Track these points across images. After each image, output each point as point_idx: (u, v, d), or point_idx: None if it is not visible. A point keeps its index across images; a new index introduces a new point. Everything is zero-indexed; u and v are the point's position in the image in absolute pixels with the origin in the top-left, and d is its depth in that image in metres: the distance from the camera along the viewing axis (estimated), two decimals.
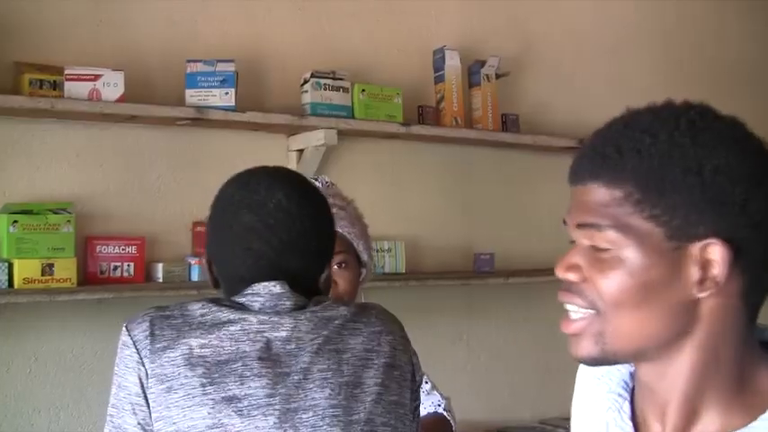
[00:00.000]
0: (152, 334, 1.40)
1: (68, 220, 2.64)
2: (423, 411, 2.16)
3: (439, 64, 3.42)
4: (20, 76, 2.62)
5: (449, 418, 2.22)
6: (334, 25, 3.32)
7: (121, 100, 2.68)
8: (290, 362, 1.38)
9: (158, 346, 1.39)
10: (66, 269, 2.60)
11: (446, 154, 3.55)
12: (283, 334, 1.40)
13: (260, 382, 1.36)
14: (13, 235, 2.56)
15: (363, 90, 3.14)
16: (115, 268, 2.75)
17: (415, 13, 3.55)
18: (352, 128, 3.11)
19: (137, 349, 1.40)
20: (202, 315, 1.41)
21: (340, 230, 2.03)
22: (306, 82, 3.06)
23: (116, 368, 1.43)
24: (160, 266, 2.81)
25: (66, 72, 2.62)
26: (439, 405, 2.20)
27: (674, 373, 0.99)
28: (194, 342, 1.38)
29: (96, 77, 2.66)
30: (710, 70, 4.66)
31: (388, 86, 3.25)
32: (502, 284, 3.56)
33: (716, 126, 1.00)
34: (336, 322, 1.45)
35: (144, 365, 1.39)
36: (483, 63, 3.52)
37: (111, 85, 2.67)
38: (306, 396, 1.37)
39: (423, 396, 2.18)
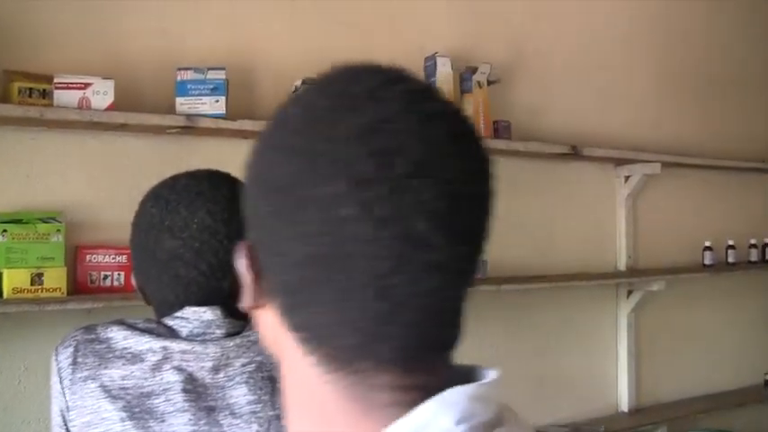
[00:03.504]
0: (74, 362, 1.33)
1: (58, 230, 2.63)
2: None
3: (430, 71, 3.41)
4: (9, 84, 2.60)
5: None
6: (326, 33, 3.31)
7: (111, 108, 2.67)
8: (217, 394, 1.30)
9: (80, 375, 1.32)
10: (55, 279, 2.58)
11: None
12: (209, 364, 1.31)
13: (182, 418, 1.27)
14: (2, 244, 2.54)
15: None
16: (105, 277, 2.73)
17: (407, 20, 3.54)
18: None
19: (60, 378, 1.34)
20: (125, 339, 1.33)
21: None
22: (297, 89, 3.05)
23: (50, 391, 1.39)
24: None
25: (55, 80, 2.61)
26: None
27: None
28: (116, 373, 1.30)
29: (86, 86, 2.64)
30: (703, 75, 4.67)
31: None
32: (494, 292, 3.54)
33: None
34: None
35: (65, 396, 1.33)
36: (474, 70, 3.51)
37: (101, 94, 2.66)
38: None
39: None
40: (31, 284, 2.55)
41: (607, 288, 4.20)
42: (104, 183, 2.83)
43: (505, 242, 3.77)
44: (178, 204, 1.38)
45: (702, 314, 4.66)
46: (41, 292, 2.55)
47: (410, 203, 0.68)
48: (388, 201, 0.67)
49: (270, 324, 0.76)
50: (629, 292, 4.22)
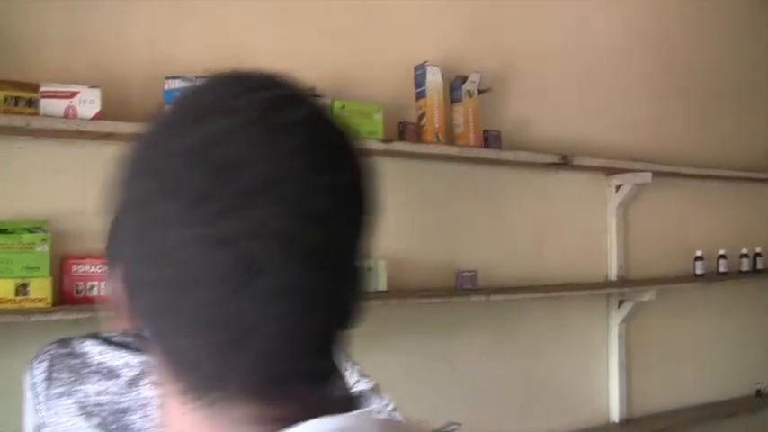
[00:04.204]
0: (49, 377, 1.31)
1: (44, 239, 2.60)
2: None
3: (420, 80, 3.40)
4: None
5: None
6: (315, 41, 3.29)
7: (98, 117, 2.64)
8: None
9: (54, 391, 1.30)
10: (41, 289, 2.55)
11: (427, 171, 3.53)
12: None
13: None
14: None
15: (343, 106, 3.12)
16: (91, 288, 2.70)
17: (397, 28, 3.53)
18: None
19: (35, 393, 1.32)
20: (101, 353, 1.31)
21: None
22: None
23: (24, 406, 1.36)
24: None
25: (41, 89, 2.58)
26: None
27: None
28: (91, 389, 1.28)
29: (72, 95, 2.62)
30: (693, 83, 4.67)
31: (368, 102, 3.22)
32: (484, 302, 3.53)
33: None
34: None
35: (40, 412, 1.30)
36: (465, 79, 3.50)
37: (88, 103, 2.64)
38: None
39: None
40: (16, 295, 2.52)
41: (598, 298, 4.19)
42: (91, 192, 2.78)
43: (495, 252, 3.76)
44: None
45: (694, 324, 4.64)
46: (26, 302, 2.53)
47: (250, 223, 0.62)
48: (225, 220, 0.62)
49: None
50: (620, 302, 4.21)
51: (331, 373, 0.69)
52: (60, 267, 2.69)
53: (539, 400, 3.92)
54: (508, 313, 3.77)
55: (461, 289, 3.47)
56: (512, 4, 3.90)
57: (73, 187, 2.78)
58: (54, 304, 2.59)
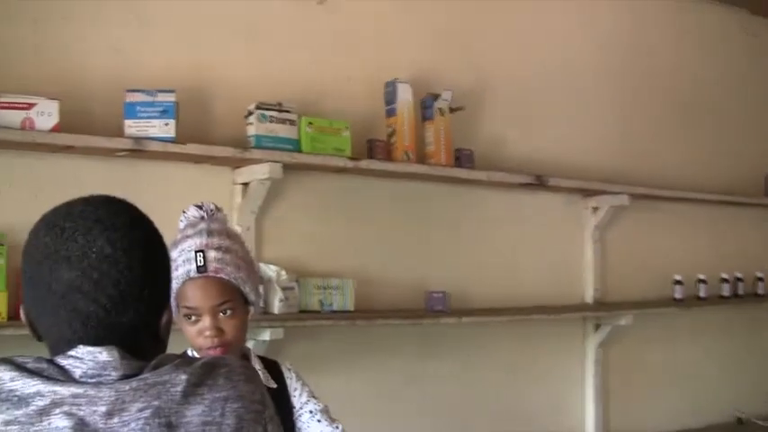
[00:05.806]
0: None
1: (0, 253, 2.55)
2: None
3: (390, 97, 3.36)
4: None
5: None
6: (284, 55, 3.26)
7: (56, 129, 2.60)
8: None
9: None
10: None
11: (397, 189, 3.49)
12: (103, 408, 1.20)
13: None
14: None
15: (310, 123, 3.08)
16: None
17: (367, 43, 3.50)
18: (298, 162, 3.04)
19: None
20: (12, 380, 1.22)
21: (225, 277, 1.94)
22: (250, 114, 3.00)
23: None
24: None
25: None
26: None
27: None
28: (0, 418, 1.19)
29: (30, 106, 2.58)
30: (673, 105, 4.65)
31: (337, 119, 3.18)
32: (455, 324, 3.48)
33: None
34: (174, 389, 1.24)
35: None
36: (436, 96, 3.47)
37: (46, 115, 2.60)
38: None
39: None
40: None
41: (574, 321, 4.13)
42: (49, 205, 2.74)
43: (468, 273, 3.71)
44: (75, 232, 1.27)
45: (672, 349, 4.59)
46: None
47: None
48: None
49: None
50: (597, 326, 4.15)
51: None
52: (17, 281, 2.64)
53: (512, 424, 3.86)
54: (481, 336, 3.72)
55: (432, 310, 3.41)
56: (486, 22, 3.88)
57: (30, 200, 2.73)
58: (9, 318, 2.55)
